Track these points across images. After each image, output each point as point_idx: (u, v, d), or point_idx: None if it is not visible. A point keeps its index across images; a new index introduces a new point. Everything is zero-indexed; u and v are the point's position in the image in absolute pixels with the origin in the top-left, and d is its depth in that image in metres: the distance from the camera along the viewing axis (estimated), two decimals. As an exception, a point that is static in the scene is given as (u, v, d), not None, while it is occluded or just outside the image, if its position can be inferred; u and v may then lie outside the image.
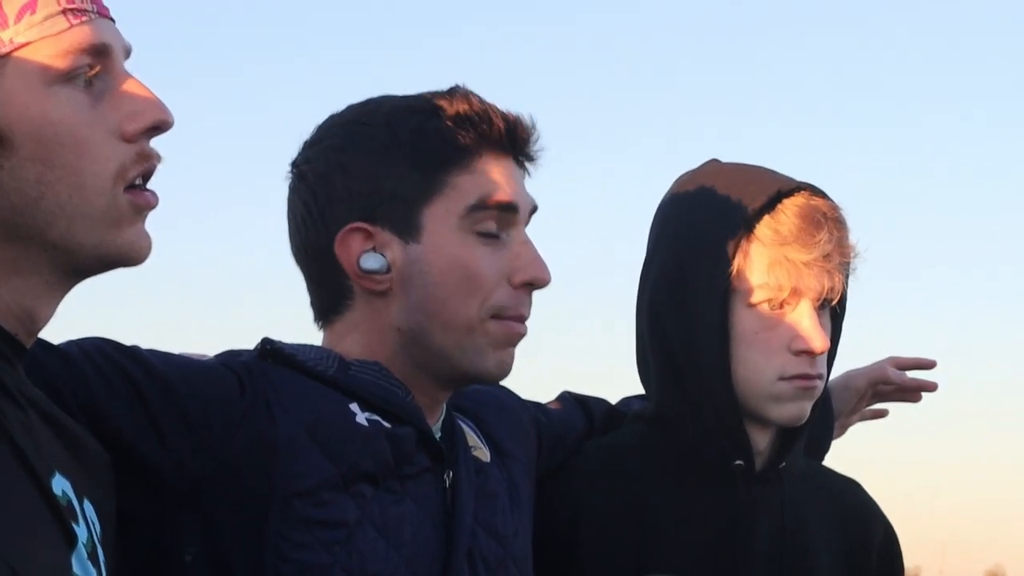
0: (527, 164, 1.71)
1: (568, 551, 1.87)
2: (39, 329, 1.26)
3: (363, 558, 1.53)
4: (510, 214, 1.64)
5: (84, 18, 1.21)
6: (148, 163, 1.24)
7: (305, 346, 1.66)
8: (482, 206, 1.63)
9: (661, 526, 1.90)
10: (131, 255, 1.24)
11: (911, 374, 2.31)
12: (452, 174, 1.63)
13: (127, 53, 1.26)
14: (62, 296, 1.25)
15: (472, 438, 1.76)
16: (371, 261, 1.63)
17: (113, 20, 1.27)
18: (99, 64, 1.22)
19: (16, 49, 1.18)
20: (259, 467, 1.51)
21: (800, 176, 1.93)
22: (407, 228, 1.63)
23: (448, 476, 1.65)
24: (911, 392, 2.32)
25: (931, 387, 2.31)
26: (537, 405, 1.99)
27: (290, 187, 1.70)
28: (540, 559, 1.80)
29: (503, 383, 1.93)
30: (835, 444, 2.25)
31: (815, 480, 2.04)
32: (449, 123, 1.63)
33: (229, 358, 1.61)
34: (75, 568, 1.16)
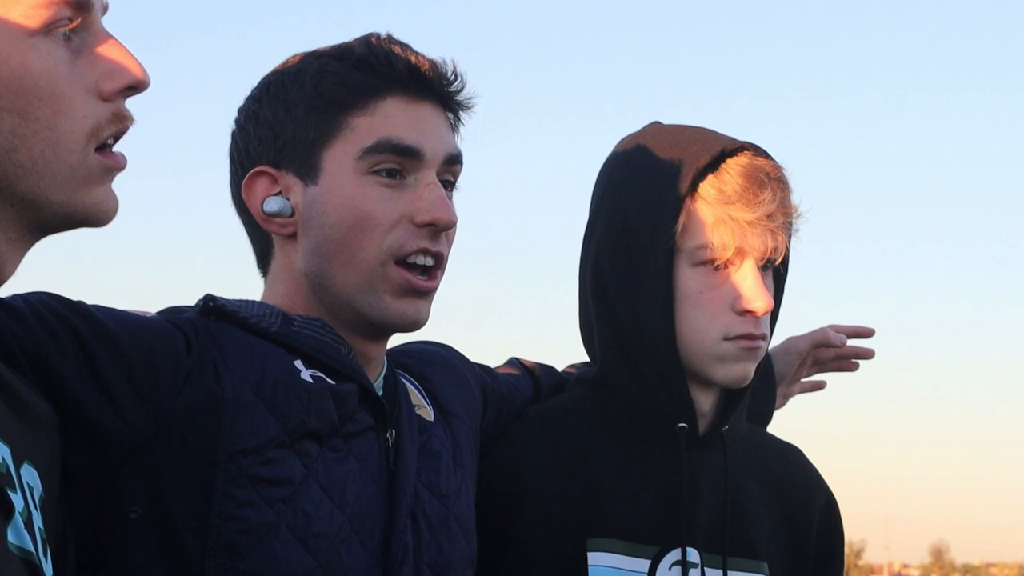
0: (451, 111, 1.71)
1: (512, 515, 1.87)
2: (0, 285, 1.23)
3: (308, 516, 1.53)
4: (413, 158, 1.64)
5: None
6: (122, 124, 1.23)
7: (247, 302, 1.66)
8: (380, 148, 1.63)
9: (604, 489, 1.90)
10: (97, 215, 1.23)
11: (849, 342, 2.31)
12: (351, 116, 1.64)
13: (104, 9, 1.25)
14: (24, 253, 1.23)
15: (416, 396, 1.76)
16: (272, 204, 1.66)
17: None
18: (79, 18, 1.20)
19: None
20: (205, 425, 1.50)
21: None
22: (308, 171, 1.64)
23: (391, 435, 1.65)
24: (849, 359, 2.32)
25: (868, 354, 2.31)
26: (483, 367, 1.99)
27: None
28: (484, 523, 1.80)
29: (453, 345, 1.93)
30: (779, 417, 2.26)
31: (757, 445, 2.05)
32: (349, 66, 1.65)
33: (173, 315, 1.60)
34: (10, 538, 1.14)
